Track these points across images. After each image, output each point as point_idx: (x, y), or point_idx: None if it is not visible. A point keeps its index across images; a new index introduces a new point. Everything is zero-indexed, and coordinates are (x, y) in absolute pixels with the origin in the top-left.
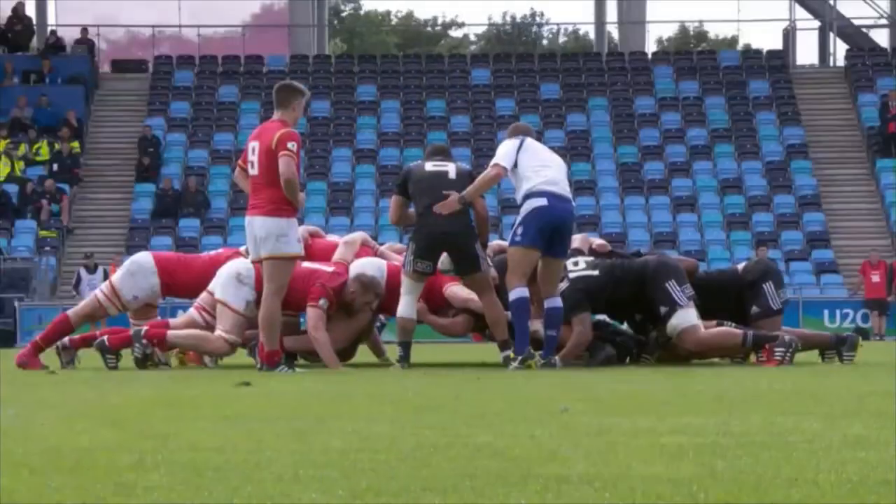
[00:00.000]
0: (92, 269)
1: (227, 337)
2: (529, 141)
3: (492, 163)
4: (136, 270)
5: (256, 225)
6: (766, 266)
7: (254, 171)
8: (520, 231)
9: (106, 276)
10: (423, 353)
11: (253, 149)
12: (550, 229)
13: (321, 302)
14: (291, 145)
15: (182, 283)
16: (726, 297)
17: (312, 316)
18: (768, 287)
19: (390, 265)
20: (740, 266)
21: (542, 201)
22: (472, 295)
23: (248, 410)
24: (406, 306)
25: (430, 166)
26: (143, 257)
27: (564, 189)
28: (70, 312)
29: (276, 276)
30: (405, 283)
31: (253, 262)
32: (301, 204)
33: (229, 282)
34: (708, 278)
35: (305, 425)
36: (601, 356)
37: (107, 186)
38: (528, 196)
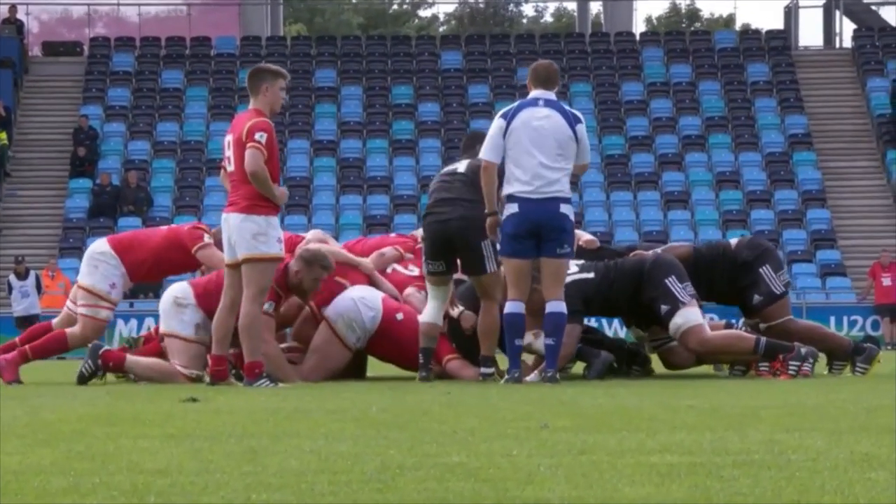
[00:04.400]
0: (23, 275)
1: (186, 372)
2: (521, 118)
3: (479, 154)
4: (97, 262)
5: (231, 223)
6: (761, 247)
7: (231, 168)
8: (500, 242)
9: (38, 282)
10: (383, 365)
11: (228, 143)
12: (527, 233)
13: (265, 307)
14: (259, 136)
15: (140, 261)
16: (718, 273)
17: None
18: (766, 271)
19: (387, 303)
20: (733, 241)
21: (514, 208)
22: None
23: (195, 428)
24: (431, 310)
25: (445, 170)
26: (99, 246)
27: (545, 188)
28: (67, 333)
29: (255, 279)
30: (428, 288)
31: (228, 266)
32: (281, 199)
33: (169, 310)
34: (696, 253)
35: (259, 444)
36: (599, 365)
37: (38, 182)
38: (505, 201)
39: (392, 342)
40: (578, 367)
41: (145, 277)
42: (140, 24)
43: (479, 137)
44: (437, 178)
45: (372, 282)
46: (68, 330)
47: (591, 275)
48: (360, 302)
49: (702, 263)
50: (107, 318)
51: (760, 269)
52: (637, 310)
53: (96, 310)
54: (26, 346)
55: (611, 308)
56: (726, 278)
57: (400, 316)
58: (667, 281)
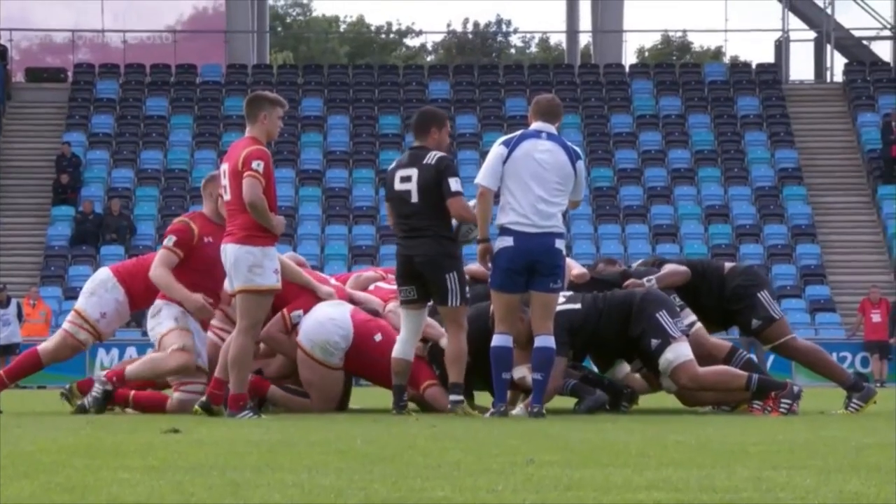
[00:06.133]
0: (4, 303)
1: (178, 346)
2: (523, 148)
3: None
4: (95, 288)
5: (228, 253)
6: (758, 277)
7: (227, 197)
8: (491, 274)
9: (19, 311)
10: (373, 397)
11: (224, 172)
12: (522, 268)
13: (167, 240)
14: (256, 165)
15: (144, 287)
16: (705, 288)
17: (159, 257)
18: (763, 295)
19: (361, 321)
20: (727, 265)
21: (508, 241)
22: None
23: (176, 460)
24: (401, 344)
25: (397, 181)
26: (100, 273)
27: (542, 223)
28: (39, 348)
29: (248, 311)
30: (401, 316)
31: (231, 296)
32: (278, 229)
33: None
34: (688, 264)
35: (241, 477)
36: (590, 402)
37: (20, 210)
38: (499, 232)
39: (370, 362)
40: (561, 402)
41: (149, 302)
42: (125, 50)
43: (428, 117)
44: (394, 198)
45: (352, 300)
46: (41, 345)
47: (578, 305)
48: (329, 323)
49: (692, 274)
50: (85, 340)
51: (759, 294)
52: (624, 344)
53: (77, 329)
54: (0, 371)
55: (597, 342)
56: (714, 297)
57: (378, 337)
58: (657, 315)
